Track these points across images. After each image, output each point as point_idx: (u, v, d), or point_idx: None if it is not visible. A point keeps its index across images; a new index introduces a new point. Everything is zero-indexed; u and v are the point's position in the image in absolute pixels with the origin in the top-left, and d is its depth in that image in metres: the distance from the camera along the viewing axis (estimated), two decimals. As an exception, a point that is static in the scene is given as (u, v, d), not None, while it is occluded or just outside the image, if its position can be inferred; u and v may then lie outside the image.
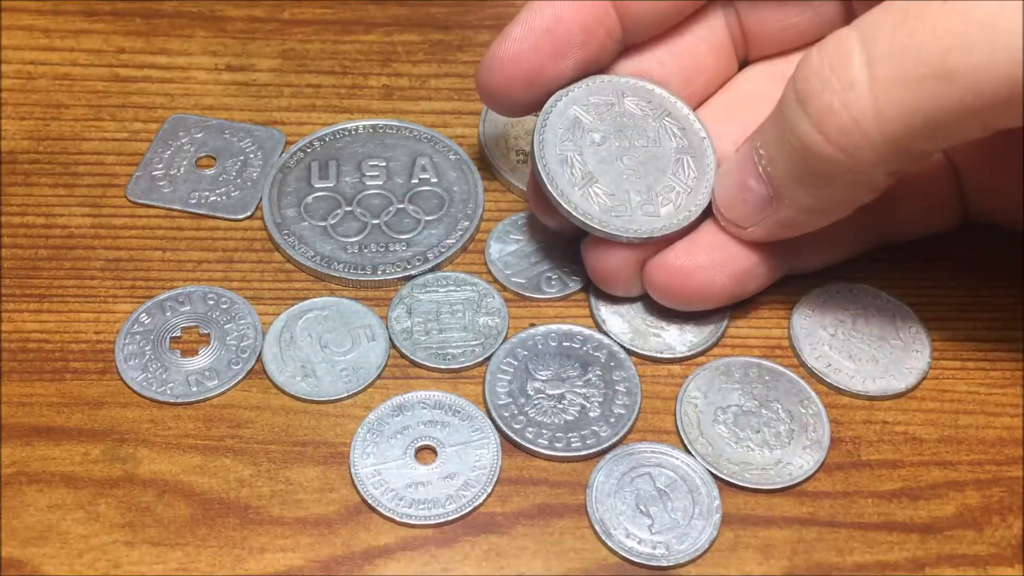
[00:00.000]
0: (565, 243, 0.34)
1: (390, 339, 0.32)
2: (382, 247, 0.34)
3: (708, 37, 0.33)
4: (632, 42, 0.32)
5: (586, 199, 0.30)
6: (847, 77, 0.25)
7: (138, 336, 0.32)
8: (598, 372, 0.31)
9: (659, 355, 0.32)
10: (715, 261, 0.31)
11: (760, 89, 0.33)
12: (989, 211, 0.33)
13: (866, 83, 0.25)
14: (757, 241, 0.30)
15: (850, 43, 0.26)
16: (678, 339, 0.32)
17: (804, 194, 0.28)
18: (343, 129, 0.37)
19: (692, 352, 0.32)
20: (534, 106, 0.32)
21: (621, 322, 0.32)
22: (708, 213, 0.31)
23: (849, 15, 0.31)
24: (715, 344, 0.32)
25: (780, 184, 0.28)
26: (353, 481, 0.29)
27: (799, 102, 0.27)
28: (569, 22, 0.30)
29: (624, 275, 0.31)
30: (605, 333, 0.32)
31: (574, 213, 0.30)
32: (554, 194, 0.30)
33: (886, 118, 0.25)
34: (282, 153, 0.36)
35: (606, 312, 0.32)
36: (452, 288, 0.33)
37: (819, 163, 0.27)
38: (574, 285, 0.33)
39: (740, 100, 0.33)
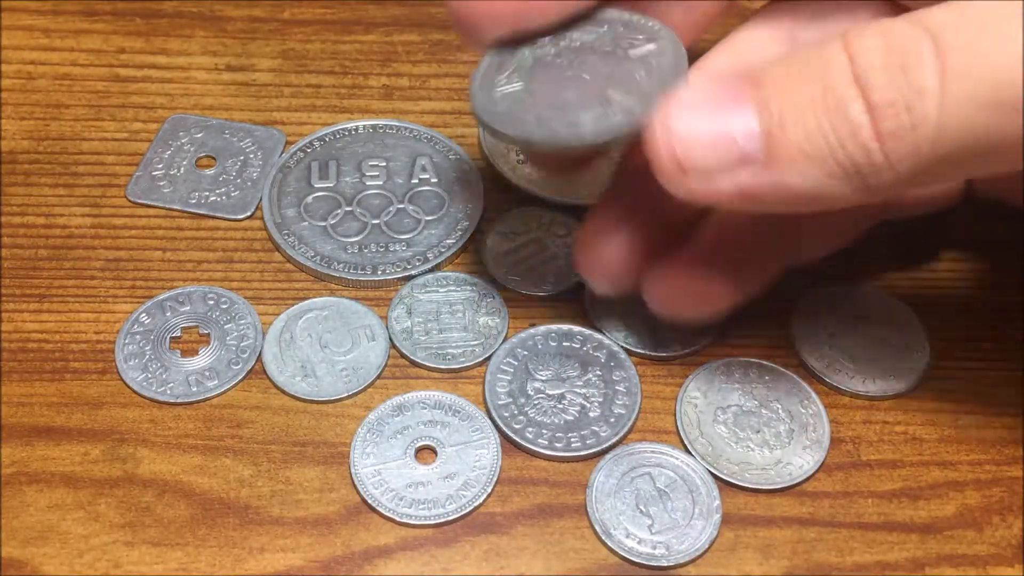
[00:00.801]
0: (561, 241, 0.34)
1: (390, 339, 0.32)
2: (382, 247, 0.34)
3: None
4: None
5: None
6: (917, 82, 0.23)
7: (138, 336, 0.32)
8: (598, 372, 0.31)
9: (655, 353, 0.32)
10: (715, 271, 0.29)
11: (767, 54, 0.29)
12: (992, 186, 0.32)
13: (936, 95, 0.23)
14: (697, 199, 0.26)
15: (921, 45, 0.23)
16: (675, 337, 0.32)
17: (801, 178, 0.24)
18: (343, 129, 0.37)
19: (689, 351, 0.32)
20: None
21: (617, 320, 0.32)
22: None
23: None
24: (712, 342, 0.32)
25: (782, 154, 0.24)
26: (353, 481, 0.29)
27: (859, 84, 0.23)
28: None
29: (617, 270, 0.30)
30: (601, 331, 0.32)
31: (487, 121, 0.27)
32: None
33: (946, 135, 0.23)
34: (282, 153, 0.36)
35: (602, 310, 0.32)
36: (452, 288, 0.33)
37: (850, 150, 0.24)
38: (571, 283, 0.33)
39: (742, 67, 0.28)
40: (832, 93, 0.24)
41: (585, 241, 0.31)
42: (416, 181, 0.35)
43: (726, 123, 0.25)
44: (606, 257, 0.30)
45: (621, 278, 0.30)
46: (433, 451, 0.30)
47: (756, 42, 0.30)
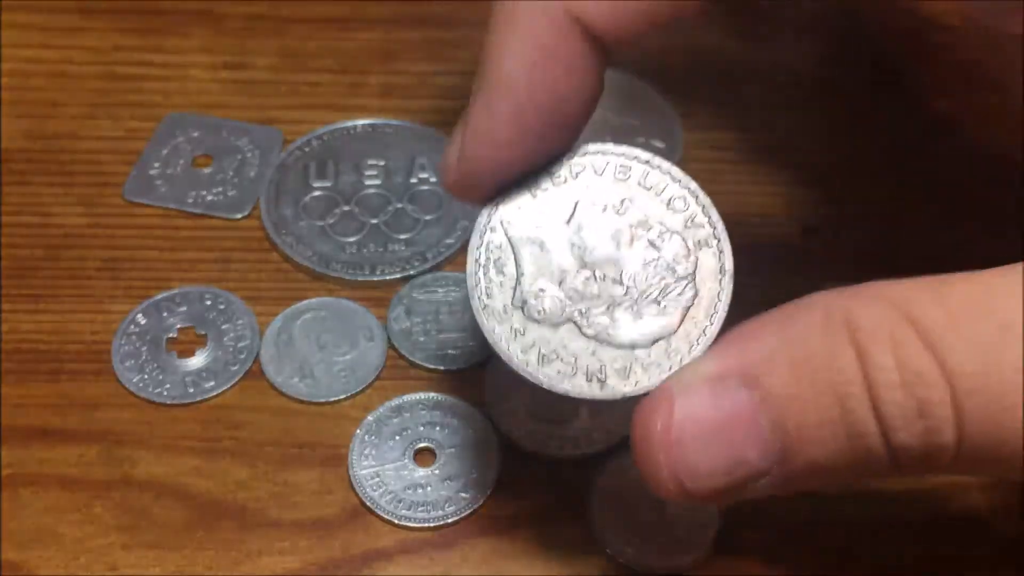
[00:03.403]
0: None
1: (389, 339, 0.32)
2: (381, 247, 0.34)
3: None
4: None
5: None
6: (936, 436, 0.21)
7: (134, 337, 0.31)
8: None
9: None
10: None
11: None
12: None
13: (953, 447, 0.21)
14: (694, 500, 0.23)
15: (944, 395, 0.21)
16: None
17: (815, 479, 0.23)
18: (342, 128, 0.37)
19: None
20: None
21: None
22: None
23: None
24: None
25: (797, 466, 0.22)
26: (351, 483, 0.29)
27: (878, 418, 0.21)
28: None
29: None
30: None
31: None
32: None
33: (963, 458, 0.21)
34: (280, 152, 0.36)
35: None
36: (451, 288, 0.33)
37: (866, 468, 0.22)
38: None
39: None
40: (854, 421, 0.21)
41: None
42: (415, 180, 0.35)
43: (738, 448, 0.22)
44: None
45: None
46: (432, 453, 0.30)
47: None
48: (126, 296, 0.33)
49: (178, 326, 0.32)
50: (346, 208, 0.35)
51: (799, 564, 0.28)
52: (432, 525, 0.28)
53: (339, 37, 0.39)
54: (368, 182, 0.35)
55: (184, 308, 0.32)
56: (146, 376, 0.31)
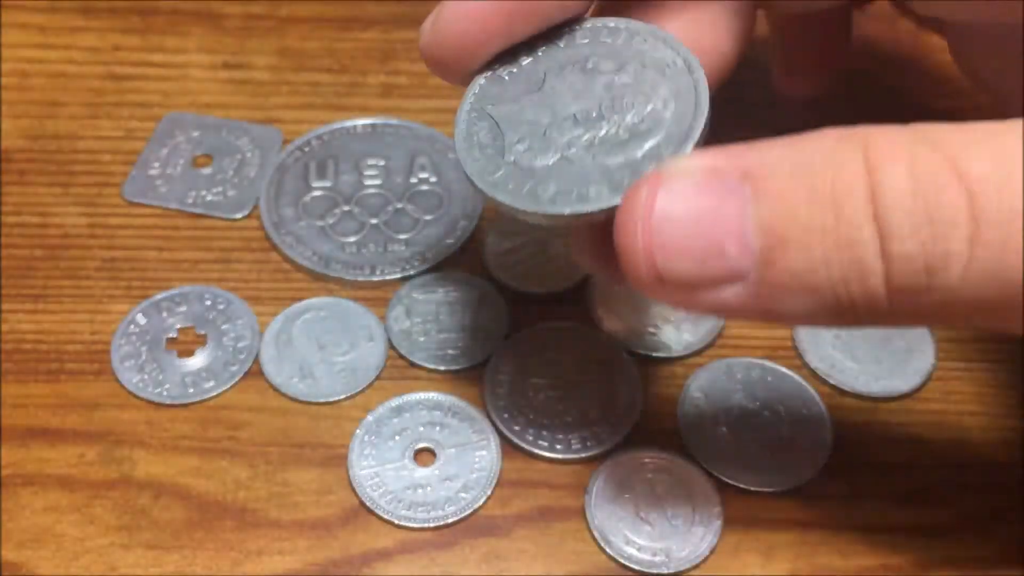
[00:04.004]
0: (560, 240, 0.33)
1: (388, 340, 0.32)
2: (380, 247, 0.34)
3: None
4: None
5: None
6: (944, 244, 0.20)
7: (134, 337, 0.31)
8: (599, 372, 0.31)
9: (655, 354, 0.32)
10: None
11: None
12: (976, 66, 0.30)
13: (962, 263, 0.20)
14: (682, 309, 0.23)
15: (959, 201, 0.20)
16: (674, 338, 0.32)
17: (796, 302, 0.21)
18: (341, 128, 0.36)
19: (688, 352, 0.32)
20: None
21: (617, 320, 0.32)
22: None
23: None
24: (712, 343, 0.32)
25: (777, 276, 0.21)
26: (351, 483, 0.29)
27: (878, 224, 0.20)
28: None
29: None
30: (601, 331, 0.32)
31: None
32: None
33: (959, 301, 0.21)
34: (280, 152, 0.36)
35: (602, 310, 0.32)
36: (451, 288, 0.33)
37: (855, 291, 0.21)
38: (571, 282, 0.33)
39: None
40: (847, 227, 0.21)
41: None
42: (415, 180, 0.35)
43: (718, 236, 0.21)
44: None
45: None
46: (432, 453, 0.30)
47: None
48: (126, 296, 0.33)
49: (178, 326, 0.32)
50: (346, 208, 0.34)
51: (800, 567, 0.28)
52: (432, 525, 0.28)
53: (338, 37, 0.39)
54: (368, 182, 0.35)
55: (184, 308, 0.32)
56: (146, 376, 0.31)
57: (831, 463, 0.30)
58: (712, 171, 0.22)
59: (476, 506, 0.29)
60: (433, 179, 0.35)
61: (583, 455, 0.30)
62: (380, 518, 0.28)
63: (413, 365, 0.31)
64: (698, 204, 0.21)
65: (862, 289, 0.21)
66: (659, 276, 0.22)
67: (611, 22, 0.26)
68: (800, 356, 0.32)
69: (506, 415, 0.30)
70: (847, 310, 0.21)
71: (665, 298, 0.22)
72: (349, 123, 0.37)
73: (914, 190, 0.20)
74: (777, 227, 0.21)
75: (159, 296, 0.32)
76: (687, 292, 0.22)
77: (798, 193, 0.21)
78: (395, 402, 0.30)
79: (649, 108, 0.25)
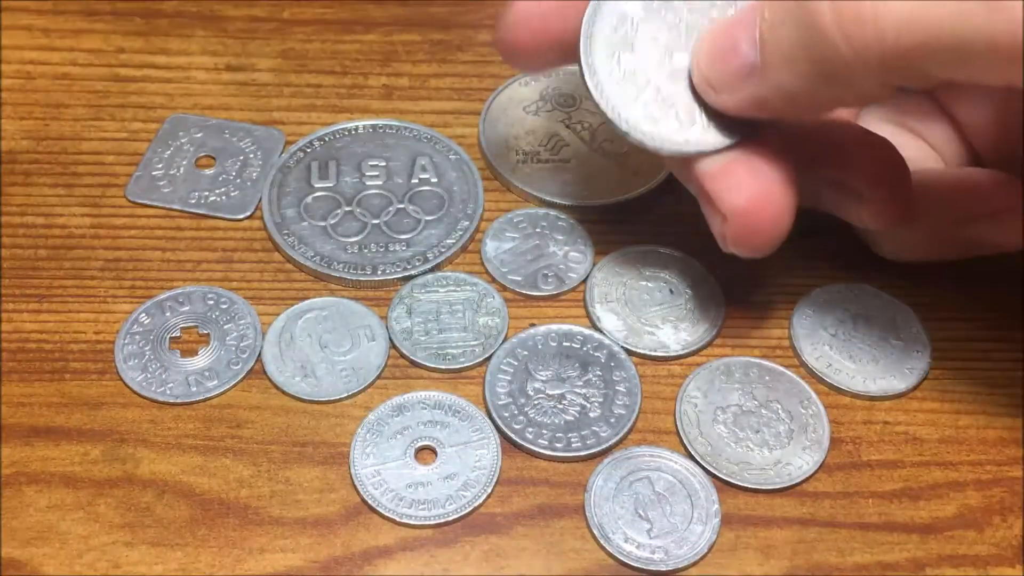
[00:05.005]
0: (561, 241, 0.34)
1: (390, 339, 0.32)
2: (382, 247, 0.34)
3: None
4: None
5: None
6: None
7: (138, 336, 0.32)
8: (598, 372, 0.31)
9: (653, 353, 0.32)
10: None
11: None
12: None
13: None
14: (724, 110, 0.28)
15: None
16: (672, 338, 0.32)
17: (791, 77, 0.26)
18: (343, 129, 0.37)
19: (687, 351, 0.32)
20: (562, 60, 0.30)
21: (616, 320, 0.32)
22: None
23: None
24: (710, 343, 0.32)
25: (771, 56, 0.26)
26: (353, 481, 0.29)
27: None
28: None
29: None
30: (600, 331, 0.32)
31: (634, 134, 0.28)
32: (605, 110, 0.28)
33: (910, 26, 0.23)
34: (282, 153, 0.36)
35: (601, 310, 0.32)
36: (452, 288, 0.33)
37: (819, 47, 0.25)
38: (570, 282, 0.33)
39: None
40: (806, 12, 0.25)
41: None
42: (416, 181, 0.35)
43: (735, 37, 0.27)
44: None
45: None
46: (433, 451, 0.30)
47: None
48: (129, 296, 0.33)
49: (181, 326, 0.32)
50: (348, 209, 0.35)
51: (798, 564, 0.28)
52: (433, 523, 0.29)
53: (340, 39, 0.40)
54: (369, 183, 0.35)
55: (187, 308, 0.32)
56: (149, 375, 0.31)
57: (828, 462, 0.30)
58: (734, 11, 0.28)
59: (476, 504, 0.29)
60: (434, 180, 0.35)
61: (583, 454, 0.30)
62: (381, 516, 0.29)
63: (414, 364, 0.32)
64: (725, 29, 0.28)
65: (821, 36, 0.25)
66: (708, 82, 0.28)
67: None
68: (797, 355, 0.32)
69: (506, 414, 0.30)
70: (826, 66, 0.25)
71: (718, 101, 0.28)
72: (351, 124, 0.37)
73: None
74: (767, 14, 0.26)
75: (162, 296, 0.33)
76: (728, 91, 0.28)
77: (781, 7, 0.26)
78: (396, 401, 0.31)
79: None
